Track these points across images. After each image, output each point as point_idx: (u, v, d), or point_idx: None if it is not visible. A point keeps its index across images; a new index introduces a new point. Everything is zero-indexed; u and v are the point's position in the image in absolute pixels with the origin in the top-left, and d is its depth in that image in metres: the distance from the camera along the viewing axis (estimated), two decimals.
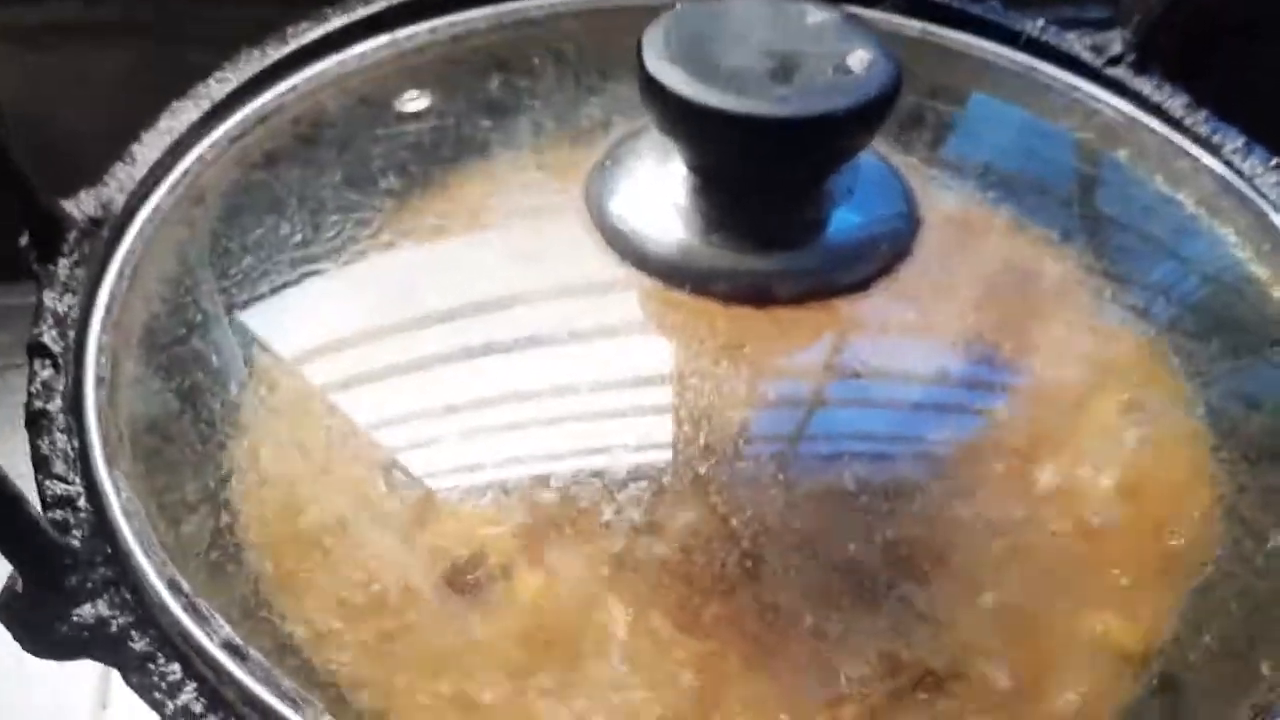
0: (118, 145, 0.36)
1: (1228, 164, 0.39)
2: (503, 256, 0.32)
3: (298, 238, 0.33)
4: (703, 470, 0.29)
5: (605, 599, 0.28)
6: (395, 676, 0.27)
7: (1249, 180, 0.39)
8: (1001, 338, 0.33)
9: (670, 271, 0.31)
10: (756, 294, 0.31)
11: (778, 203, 0.31)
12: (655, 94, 0.29)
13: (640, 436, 0.30)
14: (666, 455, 0.30)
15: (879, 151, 0.35)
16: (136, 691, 0.25)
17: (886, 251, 0.32)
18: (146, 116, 0.36)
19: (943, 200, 0.36)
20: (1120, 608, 0.29)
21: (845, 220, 0.32)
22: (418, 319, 0.32)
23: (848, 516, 0.29)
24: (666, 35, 0.30)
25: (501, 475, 0.29)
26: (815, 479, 0.29)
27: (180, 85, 0.37)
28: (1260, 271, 0.37)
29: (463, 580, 0.29)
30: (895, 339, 0.31)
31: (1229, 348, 0.35)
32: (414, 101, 0.37)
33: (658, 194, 0.32)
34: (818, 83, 0.29)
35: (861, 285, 0.31)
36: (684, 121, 0.29)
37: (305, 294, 0.32)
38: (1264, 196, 0.38)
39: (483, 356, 0.31)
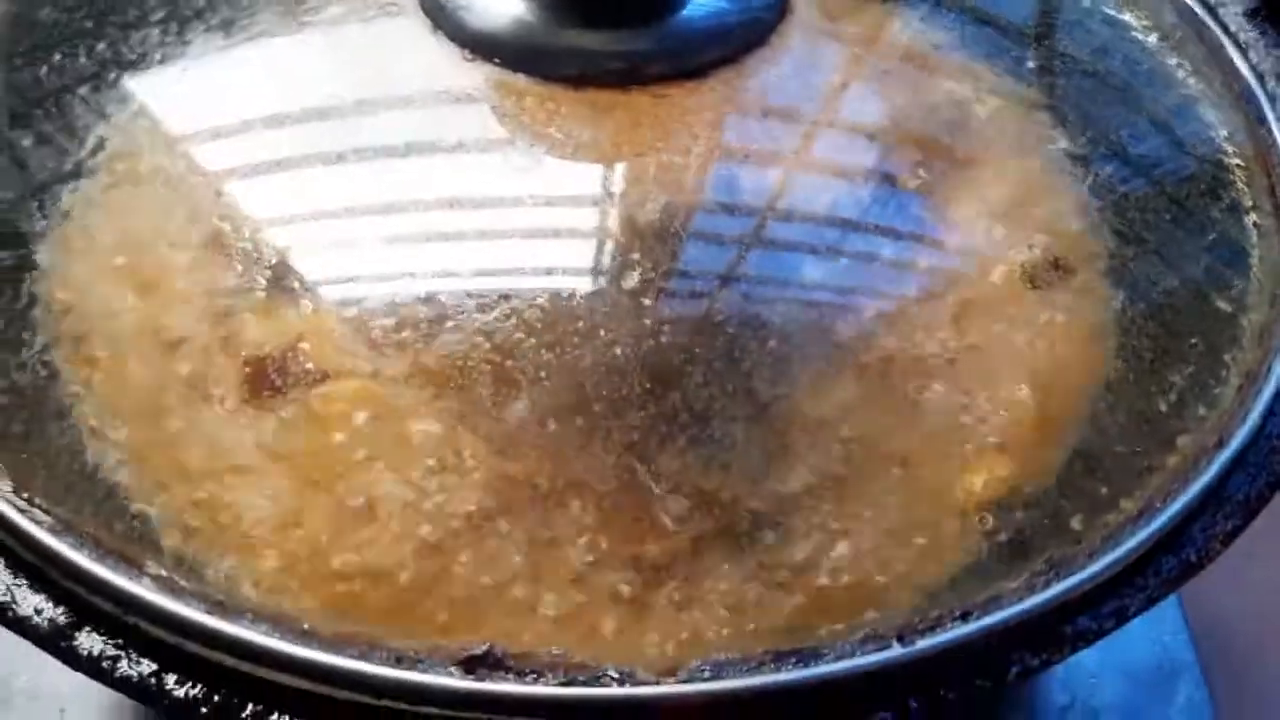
0: None
1: None
2: (332, 52, 0.29)
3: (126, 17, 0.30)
4: (536, 271, 0.26)
5: (417, 412, 0.25)
6: (177, 472, 0.25)
7: (1212, 9, 0.34)
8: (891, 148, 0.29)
9: (484, 43, 0.28)
10: (574, 75, 0.27)
11: None
12: None
13: (474, 250, 0.27)
14: (496, 255, 0.27)
15: None
16: None
17: (738, 36, 0.28)
18: None
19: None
20: (983, 459, 0.26)
21: (691, 1, 0.28)
22: (217, 97, 0.29)
23: (706, 335, 0.26)
24: None
25: (325, 280, 0.27)
26: (669, 302, 0.26)
27: None
28: (1205, 117, 0.32)
29: (269, 378, 0.26)
30: (707, 131, 0.27)
31: (1162, 198, 0.31)
32: None
33: None
34: None
35: (696, 74, 0.27)
36: None
37: (139, 88, 0.29)
38: (1224, 28, 0.33)
39: (319, 160, 0.28)
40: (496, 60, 0.27)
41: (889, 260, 0.28)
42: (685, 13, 0.28)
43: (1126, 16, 0.35)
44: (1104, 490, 0.24)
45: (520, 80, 0.27)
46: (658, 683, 0.21)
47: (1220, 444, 0.25)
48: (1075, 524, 0.24)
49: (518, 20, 0.27)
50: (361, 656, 0.21)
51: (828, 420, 0.26)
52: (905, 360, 0.27)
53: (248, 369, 0.26)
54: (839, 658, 0.21)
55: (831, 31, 0.31)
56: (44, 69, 0.29)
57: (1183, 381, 0.26)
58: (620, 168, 0.27)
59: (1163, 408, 0.26)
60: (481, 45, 0.27)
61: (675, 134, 0.27)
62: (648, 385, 0.25)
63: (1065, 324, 0.28)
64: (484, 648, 0.21)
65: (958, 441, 0.26)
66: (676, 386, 0.25)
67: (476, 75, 0.27)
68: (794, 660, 0.21)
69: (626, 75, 0.27)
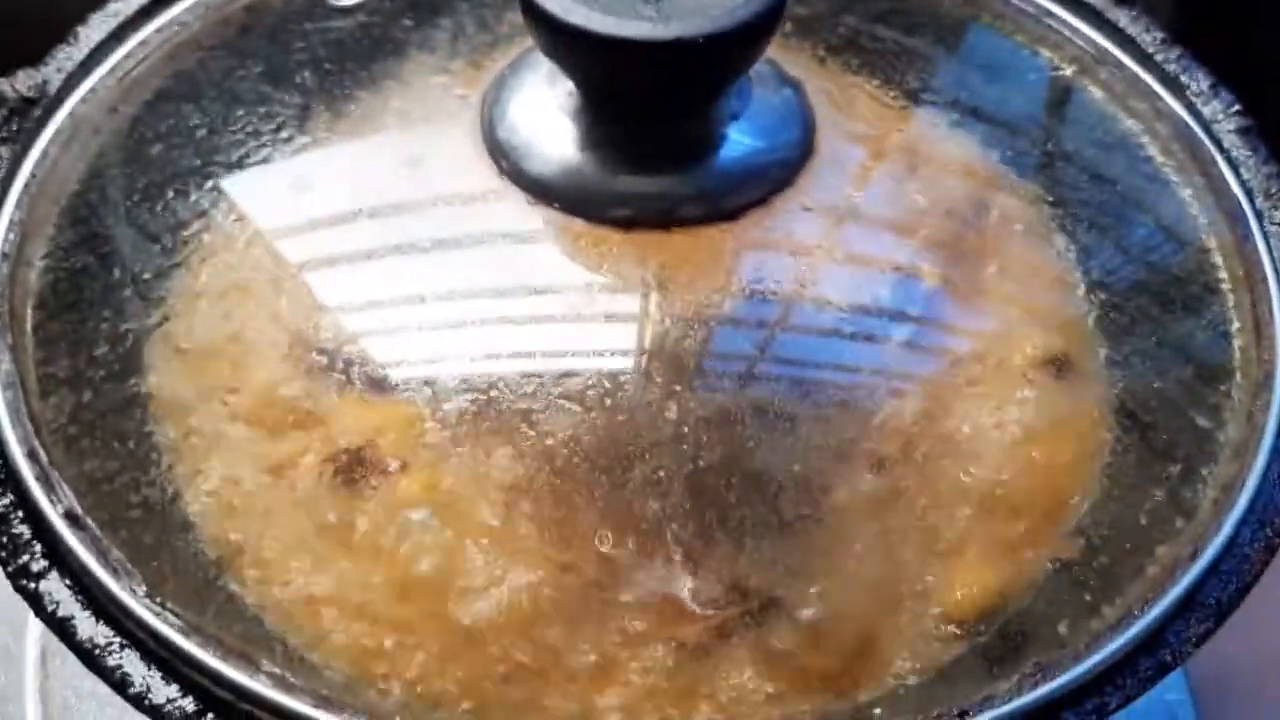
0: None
1: (1189, 106, 0.37)
2: (391, 169, 0.33)
3: (204, 131, 0.34)
4: (589, 389, 0.29)
5: (478, 505, 0.29)
6: (268, 556, 0.29)
7: (1208, 126, 0.37)
8: (905, 270, 0.33)
9: (545, 189, 0.31)
10: (622, 216, 0.31)
11: (654, 125, 0.31)
12: (525, 8, 0.29)
13: (528, 355, 0.30)
14: (555, 372, 0.30)
15: (790, 73, 0.34)
16: None
17: (768, 179, 0.32)
18: None
19: (861, 122, 0.35)
20: (978, 568, 0.29)
21: (727, 144, 0.31)
22: (309, 220, 0.33)
23: (734, 442, 0.29)
24: None
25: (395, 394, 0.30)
26: (705, 404, 0.30)
27: None
28: (1195, 232, 0.35)
29: (349, 471, 0.30)
30: (741, 269, 0.31)
31: (1151, 312, 0.34)
32: None
33: (547, 110, 0.32)
34: (688, 5, 0.29)
35: (731, 214, 0.31)
36: (551, 37, 0.29)
37: (205, 189, 0.33)
38: (1218, 145, 0.36)
39: (393, 281, 0.32)
40: (555, 205, 0.31)
41: (898, 369, 0.32)
42: (722, 153, 0.32)
43: (1130, 128, 0.38)
44: (1088, 598, 0.28)
45: (576, 224, 0.31)
46: None
47: (1195, 554, 0.28)
48: (1062, 629, 0.27)
49: (573, 168, 0.31)
50: None
51: (837, 520, 0.29)
52: (914, 463, 0.30)
53: (338, 465, 0.30)
54: None
55: (852, 160, 0.34)
56: (159, 205, 0.33)
57: (1163, 494, 0.29)
58: (663, 304, 0.30)
59: (1143, 521, 0.29)
60: (541, 190, 0.31)
61: (712, 272, 0.30)
62: (686, 489, 0.29)
63: (1059, 435, 0.31)
64: None
65: (956, 546, 0.29)
66: (710, 491, 0.29)
67: (538, 219, 0.31)
68: None
69: (668, 218, 0.31)
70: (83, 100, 0.35)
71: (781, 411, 0.30)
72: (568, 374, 0.30)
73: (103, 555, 0.27)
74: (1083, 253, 0.34)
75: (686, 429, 0.29)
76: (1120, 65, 0.38)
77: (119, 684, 0.26)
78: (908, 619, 0.28)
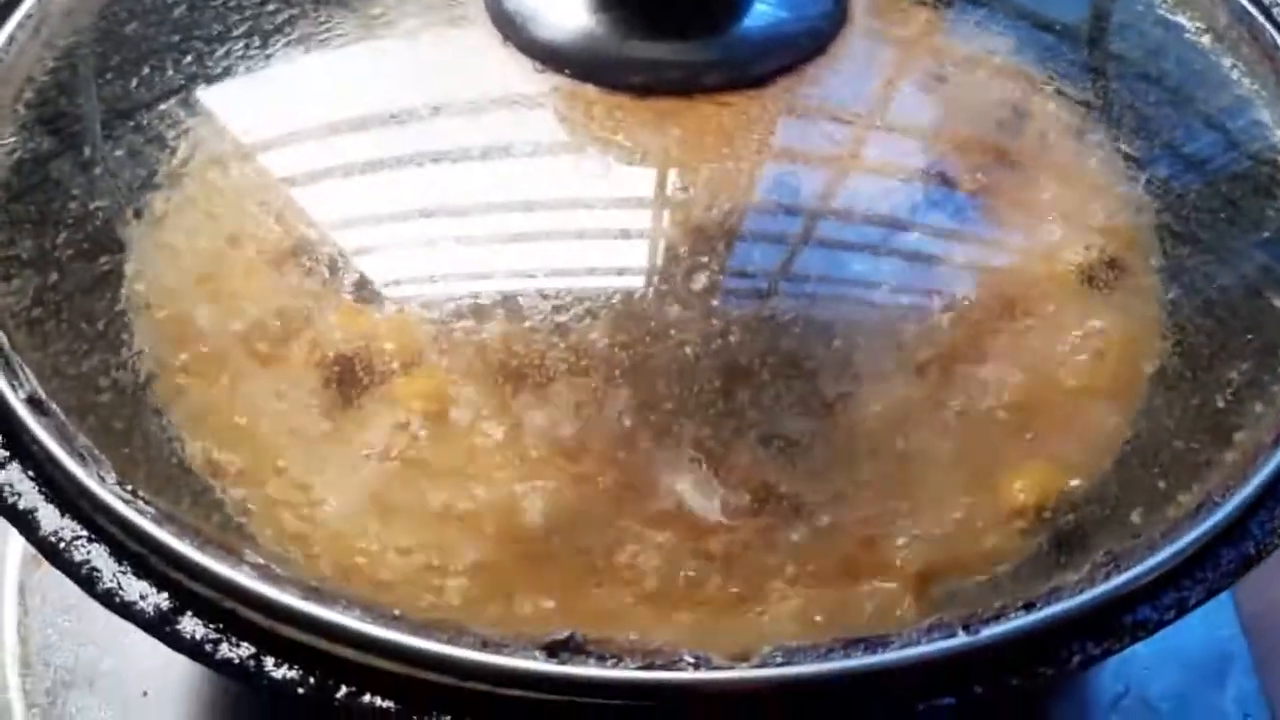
0: None
1: None
2: (409, 64, 0.30)
3: (183, 8, 0.32)
4: (608, 283, 0.27)
5: (485, 412, 0.26)
6: (267, 465, 0.26)
7: (1267, 9, 0.34)
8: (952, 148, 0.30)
9: (554, 54, 0.29)
10: (640, 85, 0.28)
11: None
12: None
13: (547, 252, 0.28)
14: (573, 274, 0.28)
15: None
16: None
17: (797, 47, 0.29)
18: None
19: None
20: (1041, 459, 0.26)
21: (752, 11, 0.29)
22: (297, 95, 0.30)
23: (757, 337, 0.27)
24: None
25: (405, 280, 0.28)
26: (735, 302, 0.27)
27: None
28: (1262, 114, 0.32)
29: (347, 376, 0.27)
30: (768, 139, 0.28)
31: (1219, 196, 0.31)
32: None
33: None
34: None
35: (757, 82, 0.28)
36: None
37: (184, 65, 0.31)
38: (1279, 28, 0.34)
39: (398, 167, 0.29)
40: (566, 71, 0.28)
41: (947, 260, 0.29)
42: (746, 23, 0.29)
43: (1180, 18, 0.35)
44: (1163, 485, 0.25)
45: (589, 90, 0.28)
46: (732, 667, 0.22)
47: (1278, 440, 0.25)
48: (1135, 518, 0.24)
49: (585, 32, 0.28)
50: (450, 641, 0.22)
51: (888, 417, 0.26)
52: (964, 358, 0.27)
53: (334, 367, 0.27)
54: (906, 645, 0.22)
55: (889, 39, 0.31)
56: (133, 82, 0.30)
57: (1239, 378, 0.27)
58: (686, 173, 0.27)
59: (1220, 404, 0.26)
60: (551, 57, 0.28)
61: (738, 140, 0.28)
62: (714, 382, 0.26)
63: (1122, 322, 0.28)
64: (565, 634, 0.22)
65: (1018, 437, 0.26)
66: (741, 384, 0.26)
67: (546, 85, 0.28)
68: (863, 648, 0.22)
69: (690, 84, 0.28)
70: None
71: (823, 300, 0.27)
72: (582, 259, 0.28)
73: (68, 442, 0.24)
74: (1138, 142, 0.32)
75: (716, 317, 0.26)
76: None
77: (86, 580, 0.23)
78: (968, 511, 0.25)
